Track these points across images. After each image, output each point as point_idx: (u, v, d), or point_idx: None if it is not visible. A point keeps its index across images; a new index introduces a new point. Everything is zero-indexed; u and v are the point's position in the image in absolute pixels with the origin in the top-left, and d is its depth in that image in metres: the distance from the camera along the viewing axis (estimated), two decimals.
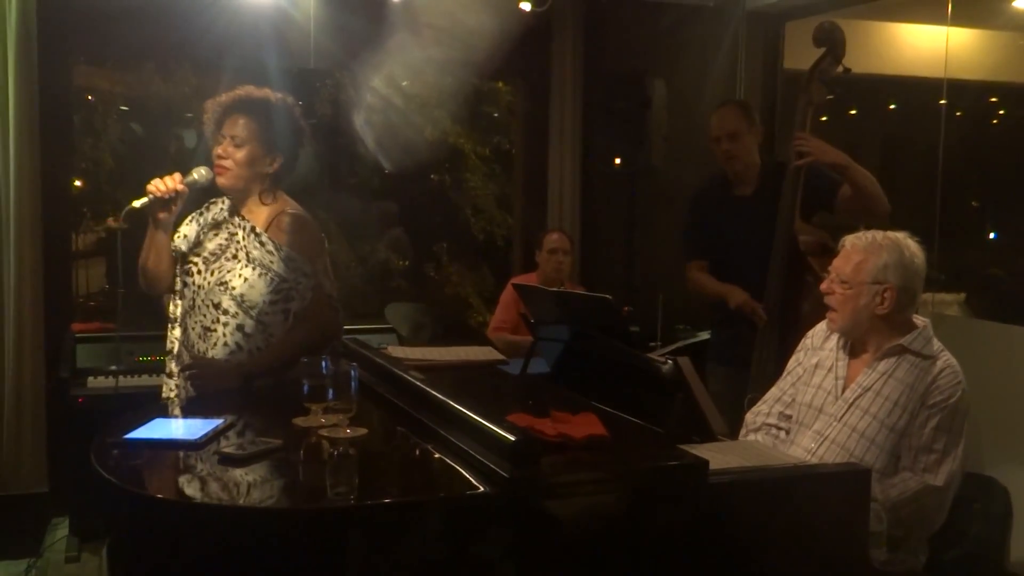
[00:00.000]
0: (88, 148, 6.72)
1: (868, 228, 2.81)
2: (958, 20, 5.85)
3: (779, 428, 2.90)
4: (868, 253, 2.70)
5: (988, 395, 4.45)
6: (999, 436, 4.37)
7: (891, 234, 2.75)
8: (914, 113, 6.76)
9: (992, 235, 7.33)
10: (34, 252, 4.69)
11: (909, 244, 2.71)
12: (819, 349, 2.90)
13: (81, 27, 4.77)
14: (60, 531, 4.63)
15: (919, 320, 2.77)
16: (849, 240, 2.78)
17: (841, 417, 2.71)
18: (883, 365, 2.71)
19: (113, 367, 4.51)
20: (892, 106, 7.30)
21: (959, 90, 6.63)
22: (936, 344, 2.74)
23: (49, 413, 4.76)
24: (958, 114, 6.93)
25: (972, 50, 6.26)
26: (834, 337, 2.86)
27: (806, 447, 2.73)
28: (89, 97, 6.66)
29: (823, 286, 2.80)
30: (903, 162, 6.79)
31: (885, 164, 6.91)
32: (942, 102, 6.65)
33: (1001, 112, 7.19)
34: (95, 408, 4.26)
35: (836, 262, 2.78)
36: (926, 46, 6.13)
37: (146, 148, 7.04)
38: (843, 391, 2.75)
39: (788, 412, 2.90)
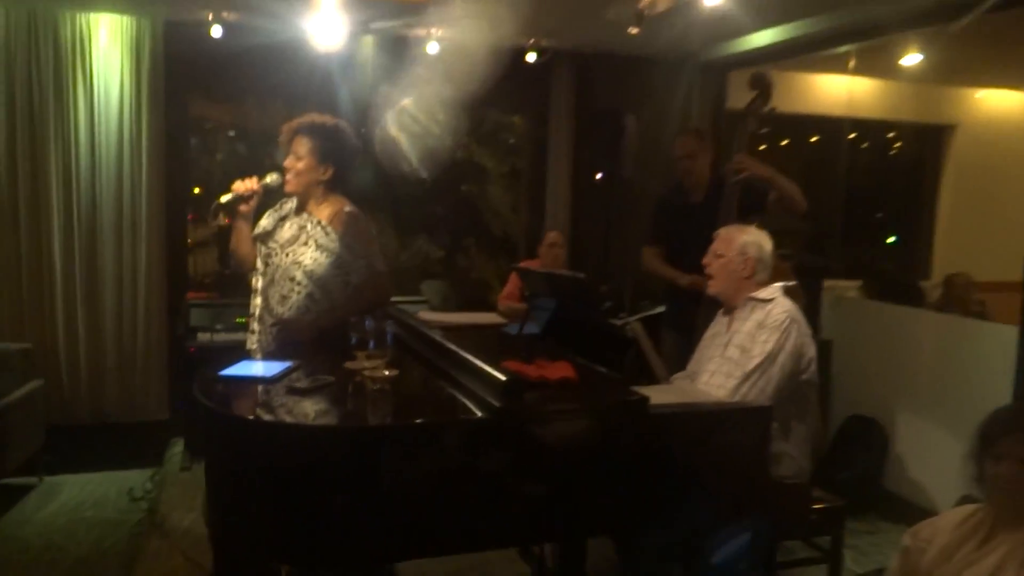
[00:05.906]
0: (205, 164, 6.77)
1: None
2: (859, 71, 5.82)
3: (691, 377, 2.94)
4: (735, 234, 2.85)
5: (876, 357, 4.46)
6: (880, 387, 4.38)
7: (750, 227, 2.90)
8: (830, 144, 6.71)
9: (891, 239, 7.29)
10: (160, 242, 4.76)
11: (762, 234, 2.86)
12: (715, 323, 2.96)
13: (198, 68, 4.79)
14: (176, 448, 4.70)
15: (776, 285, 2.81)
16: (722, 231, 2.91)
17: (723, 355, 2.76)
18: (742, 312, 2.78)
19: (217, 326, 4.60)
20: (814, 138, 7.24)
21: (863, 127, 6.60)
22: (780, 298, 2.75)
23: (170, 360, 4.84)
24: (863, 146, 6.89)
25: (871, 95, 6.20)
26: (722, 313, 2.92)
27: (704, 381, 2.77)
28: (207, 126, 6.71)
29: (704, 259, 2.90)
30: (820, 183, 6.74)
31: (807, 184, 6.85)
32: (852, 136, 6.59)
33: (898, 144, 7.13)
34: (203, 356, 4.33)
35: (714, 245, 2.89)
36: (834, 91, 6.09)
37: (247, 164, 7.08)
38: (726, 345, 2.79)
39: (695, 368, 2.94)
